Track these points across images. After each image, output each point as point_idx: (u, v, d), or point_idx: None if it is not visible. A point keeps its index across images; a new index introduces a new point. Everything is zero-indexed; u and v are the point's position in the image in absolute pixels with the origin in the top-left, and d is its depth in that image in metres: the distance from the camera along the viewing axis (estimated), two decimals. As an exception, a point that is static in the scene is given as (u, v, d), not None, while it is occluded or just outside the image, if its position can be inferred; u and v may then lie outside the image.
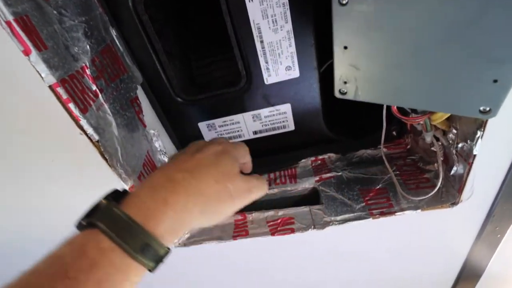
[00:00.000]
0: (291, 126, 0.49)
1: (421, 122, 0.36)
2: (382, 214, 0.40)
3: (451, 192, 0.39)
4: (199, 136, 0.49)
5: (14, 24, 0.24)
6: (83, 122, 0.30)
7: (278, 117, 0.48)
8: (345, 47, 0.26)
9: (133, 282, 0.23)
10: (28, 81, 0.27)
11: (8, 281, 0.20)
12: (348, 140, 0.52)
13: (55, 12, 0.29)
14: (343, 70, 0.27)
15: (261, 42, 0.39)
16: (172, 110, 0.46)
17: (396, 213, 0.40)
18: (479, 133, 0.31)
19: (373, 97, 0.28)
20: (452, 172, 0.37)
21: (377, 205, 0.41)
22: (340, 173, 0.47)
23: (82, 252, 0.22)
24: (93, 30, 0.33)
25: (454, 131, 0.35)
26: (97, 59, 0.33)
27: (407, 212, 0.40)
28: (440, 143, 0.39)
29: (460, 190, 0.37)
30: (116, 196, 0.26)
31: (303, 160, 0.51)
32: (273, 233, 0.42)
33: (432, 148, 0.41)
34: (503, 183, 0.38)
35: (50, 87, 0.27)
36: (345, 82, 0.28)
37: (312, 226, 0.41)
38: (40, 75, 0.26)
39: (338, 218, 0.41)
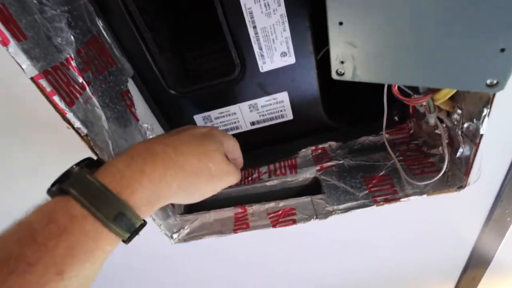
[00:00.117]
0: (289, 115, 0.48)
1: (424, 103, 0.34)
2: (386, 201, 0.39)
3: (457, 175, 0.37)
4: (195, 129, 0.48)
5: (-11, 13, 0.23)
6: (69, 115, 0.28)
7: (276, 106, 0.46)
8: (340, 23, 0.24)
9: (106, 251, 0.23)
10: (9, 74, 0.26)
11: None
12: (348, 127, 0.50)
13: (34, 1, 0.28)
14: (340, 49, 0.26)
15: (254, 27, 0.38)
16: (166, 103, 0.45)
17: (401, 199, 0.38)
18: (485, 111, 0.29)
19: (372, 76, 0.27)
20: (458, 154, 0.36)
21: (380, 192, 0.40)
22: (341, 161, 0.46)
23: (51, 218, 0.21)
24: (77, 20, 0.32)
25: (459, 111, 0.34)
26: (82, 51, 0.32)
27: (412, 198, 0.38)
28: (444, 125, 0.37)
29: (467, 173, 0.35)
30: (89, 164, 0.25)
31: (303, 150, 0.50)
32: (274, 225, 0.41)
33: (436, 131, 0.40)
34: (512, 164, 0.37)
35: (32, 79, 0.26)
36: (342, 62, 0.27)
37: (315, 216, 0.40)
38: (21, 67, 0.25)
39: (341, 207, 0.40)
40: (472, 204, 0.42)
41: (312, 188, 0.46)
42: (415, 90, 0.34)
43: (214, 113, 0.47)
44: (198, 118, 0.47)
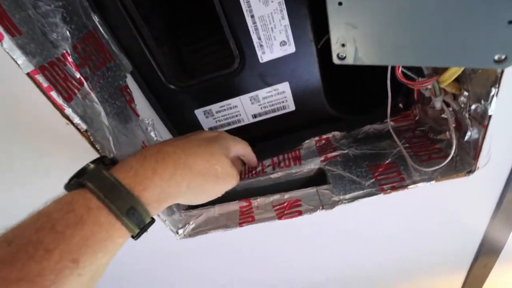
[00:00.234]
0: (291, 106, 0.47)
1: (429, 87, 0.33)
2: (394, 188, 0.38)
3: (466, 159, 0.36)
4: (197, 124, 0.48)
5: (-19, 8, 0.23)
6: (68, 111, 0.28)
7: (277, 97, 0.46)
8: (340, 3, 0.23)
9: (117, 243, 0.24)
10: (8, 72, 0.26)
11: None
12: (352, 116, 0.49)
13: (28, -4, 0.27)
14: (340, 31, 0.25)
15: (252, 16, 0.37)
16: (166, 98, 0.44)
17: (409, 187, 0.37)
18: (493, 91, 0.28)
19: (375, 58, 0.26)
20: (466, 138, 0.35)
21: (387, 180, 0.39)
22: (346, 151, 0.45)
23: (70, 209, 0.22)
24: (72, 15, 0.32)
25: (466, 93, 0.33)
26: (79, 46, 0.32)
27: (420, 185, 0.37)
28: (450, 109, 0.36)
29: (476, 157, 0.34)
30: (104, 162, 0.27)
31: (306, 141, 0.49)
32: (280, 217, 0.40)
33: (443, 115, 0.39)
34: (523, 146, 0.36)
35: (28, 74, 0.25)
36: (343, 45, 0.26)
37: (321, 207, 0.39)
38: (16, 62, 0.25)
39: (347, 196, 0.39)
40: (482, 189, 0.41)
41: (317, 179, 0.45)
42: (420, 73, 0.33)
43: (215, 107, 0.46)
44: (199, 113, 0.47)
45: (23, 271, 0.19)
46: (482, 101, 0.30)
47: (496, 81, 0.28)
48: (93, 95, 0.31)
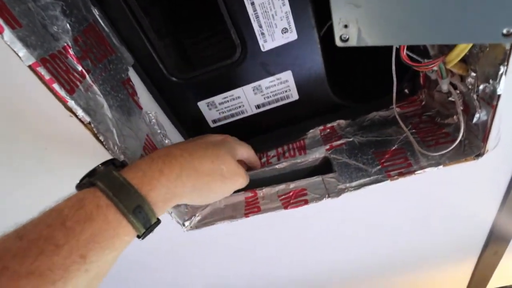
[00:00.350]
0: (294, 96, 0.47)
1: (435, 68, 0.33)
2: (401, 174, 0.37)
3: (474, 143, 0.36)
4: (200, 116, 0.48)
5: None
6: (71, 103, 0.28)
7: (280, 87, 0.45)
8: (341, -18, 0.23)
9: (123, 241, 0.25)
10: (10, 66, 0.26)
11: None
12: (357, 104, 0.49)
13: (27, -11, 0.27)
14: (342, 11, 0.24)
15: (252, 4, 0.36)
16: (168, 90, 0.44)
17: (416, 172, 0.37)
18: (502, 69, 0.28)
19: (379, 38, 0.25)
20: (475, 120, 0.34)
21: (394, 166, 0.39)
22: (351, 139, 0.45)
23: (80, 206, 0.23)
24: (72, 8, 0.32)
25: (473, 74, 0.32)
26: (80, 39, 0.32)
27: (427, 170, 0.37)
28: (458, 91, 0.36)
29: (485, 139, 0.34)
30: (114, 163, 0.28)
31: (311, 131, 0.49)
32: (285, 206, 0.40)
33: (450, 98, 0.38)
34: (533, 126, 0.35)
35: (29, 67, 0.25)
36: (346, 26, 0.25)
37: (327, 195, 0.39)
38: (17, 55, 0.25)
39: (353, 184, 0.39)
40: (491, 173, 0.40)
41: (323, 168, 0.45)
42: (425, 55, 0.33)
43: (218, 99, 0.46)
44: (202, 105, 0.47)
45: (34, 265, 0.20)
46: (491, 81, 0.29)
47: (505, 58, 0.27)
48: (95, 87, 0.31)
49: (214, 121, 0.49)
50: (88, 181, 0.26)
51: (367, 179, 0.39)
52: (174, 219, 0.41)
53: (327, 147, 0.45)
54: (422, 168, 0.37)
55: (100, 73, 0.33)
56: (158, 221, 0.28)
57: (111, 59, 0.36)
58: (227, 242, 0.52)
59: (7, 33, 0.24)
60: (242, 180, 0.36)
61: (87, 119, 0.29)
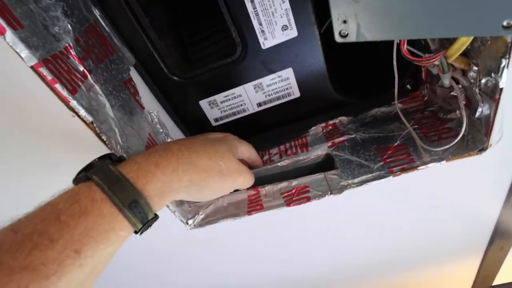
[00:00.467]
0: (296, 93, 0.47)
1: (436, 63, 0.32)
2: (403, 170, 0.37)
3: (477, 137, 0.35)
4: (202, 114, 0.48)
5: (-18, 3, 0.23)
6: (73, 103, 0.28)
7: (281, 84, 0.45)
8: (339, -23, 0.23)
9: (118, 236, 0.24)
10: (8, 65, 0.26)
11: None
12: (359, 101, 0.49)
13: (28, -9, 0.28)
14: (341, 7, 0.24)
15: (252, 2, 0.36)
16: (170, 90, 0.44)
17: (419, 168, 0.37)
18: (504, 62, 0.27)
19: (378, 33, 0.25)
20: (477, 114, 0.34)
21: (396, 162, 0.38)
22: (353, 135, 0.45)
23: (75, 200, 0.23)
24: (73, 9, 0.32)
25: (475, 67, 0.32)
26: (81, 39, 0.32)
27: (430, 165, 0.36)
28: (460, 86, 0.35)
29: (488, 133, 0.33)
30: (111, 158, 0.28)
31: (313, 128, 0.49)
32: (288, 203, 0.40)
33: (452, 93, 0.38)
34: (537, 120, 0.34)
35: (32, 67, 0.26)
36: (345, 21, 0.25)
37: (329, 192, 0.39)
38: (20, 55, 0.25)
39: (356, 180, 0.39)
40: (495, 167, 0.40)
41: (325, 165, 0.45)
42: (426, 50, 0.33)
43: (219, 97, 0.46)
44: (204, 103, 0.47)
45: (27, 260, 0.20)
46: (493, 74, 0.29)
47: (507, 51, 0.27)
48: (97, 87, 0.32)
49: (216, 120, 0.49)
50: (84, 175, 0.26)
51: (370, 175, 0.39)
52: (178, 218, 0.41)
53: (329, 144, 0.45)
54: (425, 163, 0.37)
55: (102, 73, 0.33)
56: (156, 217, 0.27)
57: (112, 59, 0.36)
58: (227, 242, 0.52)
59: (9, 34, 0.24)
60: (242, 178, 0.35)
61: (89, 118, 0.29)
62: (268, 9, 0.37)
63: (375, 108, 0.47)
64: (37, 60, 0.26)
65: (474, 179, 0.43)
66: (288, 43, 0.40)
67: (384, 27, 0.24)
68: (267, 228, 0.49)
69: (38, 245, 0.20)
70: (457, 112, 0.38)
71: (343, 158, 0.42)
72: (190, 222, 0.43)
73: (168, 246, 0.52)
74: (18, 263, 0.19)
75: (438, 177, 0.42)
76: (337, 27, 0.26)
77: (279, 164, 0.46)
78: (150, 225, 0.27)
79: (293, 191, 0.42)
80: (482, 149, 0.35)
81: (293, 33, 0.39)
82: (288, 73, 0.44)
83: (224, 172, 0.33)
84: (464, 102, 0.35)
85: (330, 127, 0.48)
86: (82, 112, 0.29)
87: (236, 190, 0.38)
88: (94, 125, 0.30)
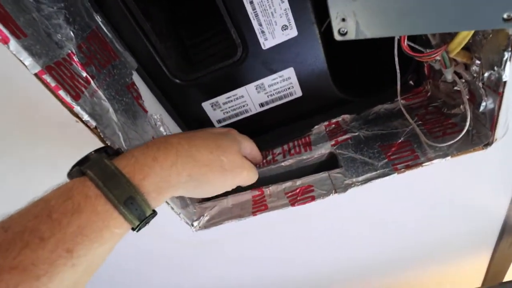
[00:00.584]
0: (298, 92, 0.47)
1: (438, 58, 0.32)
2: (408, 167, 0.37)
3: (482, 132, 0.35)
4: (205, 116, 0.48)
5: (-14, 13, 0.23)
6: (77, 109, 0.29)
7: (283, 84, 0.45)
8: (336, -25, 0.23)
9: (114, 234, 0.23)
10: (12, 72, 0.27)
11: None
12: (361, 98, 0.48)
13: (30, 0, 0.28)
14: (339, 5, 0.24)
15: (251, 2, 0.37)
16: (172, 92, 0.45)
17: (423, 164, 0.36)
18: (506, 55, 0.27)
19: (378, 30, 0.25)
20: (481, 109, 0.33)
21: (401, 159, 0.38)
22: (357, 133, 0.44)
23: (68, 196, 0.22)
24: (75, 16, 0.32)
25: (477, 61, 0.32)
26: (84, 46, 0.32)
27: (435, 161, 0.36)
28: (463, 80, 0.35)
29: (493, 128, 0.33)
30: (108, 151, 0.27)
31: (316, 127, 0.49)
32: (292, 203, 0.40)
33: (455, 88, 0.37)
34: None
35: (35, 75, 0.26)
36: (344, 19, 0.25)
37: (333, 191, 0.39)
38: (23, 63, 0.25)
39: (360, 178, 0.39)
40: (501, 162, 0.40)
41: (329, 163, 0.45)
42: (427, 45, 0.32)
43: (221, 99, 0.47)
44: (207, 105, 0.47)
45: (17, 259, 0.19)
46: (496, 68, 0.29)
47: (509, 44, 0.26)
48: (100, 92, 0.32)
49: (219, 121, 0.49)
50: (78, 169, 0.24)
51: (374, 173, 0.38)
52: (183, 220, 0.41)
53: (333, 142, 0.45)
54: (429, 160, 0.36)
55: (105, 78, 0.34)
56: (154, 213, 0.26)
57: (115, 64, 0.37)
58: (231, 243, 0.52)
59: (13, 43, 0.25)
60: (246, 174, 0.34)
61: (93, 123, 0.30)
62: (267, 10, 0.37)
63: (378, 105, 0.46)
64: (41, 68, 0.26)
65: (479, 174, 0.42)
66: (288, 43, 0.40)
67: (382, 24, 0.24)
68: (271, 228, 0.49)
69: (29, 244, 0.19)
70: (461, 107, 0.38)
71: (347, 156, 0.42)
72: (195, 224, 0.43)
73: (172, 247, 0.52)
74: (8, 262, 0.19)
75: (443, 173, 0.41)
76: (336, 25, 0.26)
77: (282, 163, 0.46)
78: (148, 222, 0.25)
79: (297, 190, 0.42)
80: (488, 144, 0.35)
81: (293, 32, 0.39)
82: (289, 73, 0.44)
83: (226, 167, 0.31)
84: (467, 97, 0.35)
85: (333, 125, 0.48)
86: (86, 117, 0.29)
87: (238, 187, 0.38)
88: (98, 130, 0.30)
